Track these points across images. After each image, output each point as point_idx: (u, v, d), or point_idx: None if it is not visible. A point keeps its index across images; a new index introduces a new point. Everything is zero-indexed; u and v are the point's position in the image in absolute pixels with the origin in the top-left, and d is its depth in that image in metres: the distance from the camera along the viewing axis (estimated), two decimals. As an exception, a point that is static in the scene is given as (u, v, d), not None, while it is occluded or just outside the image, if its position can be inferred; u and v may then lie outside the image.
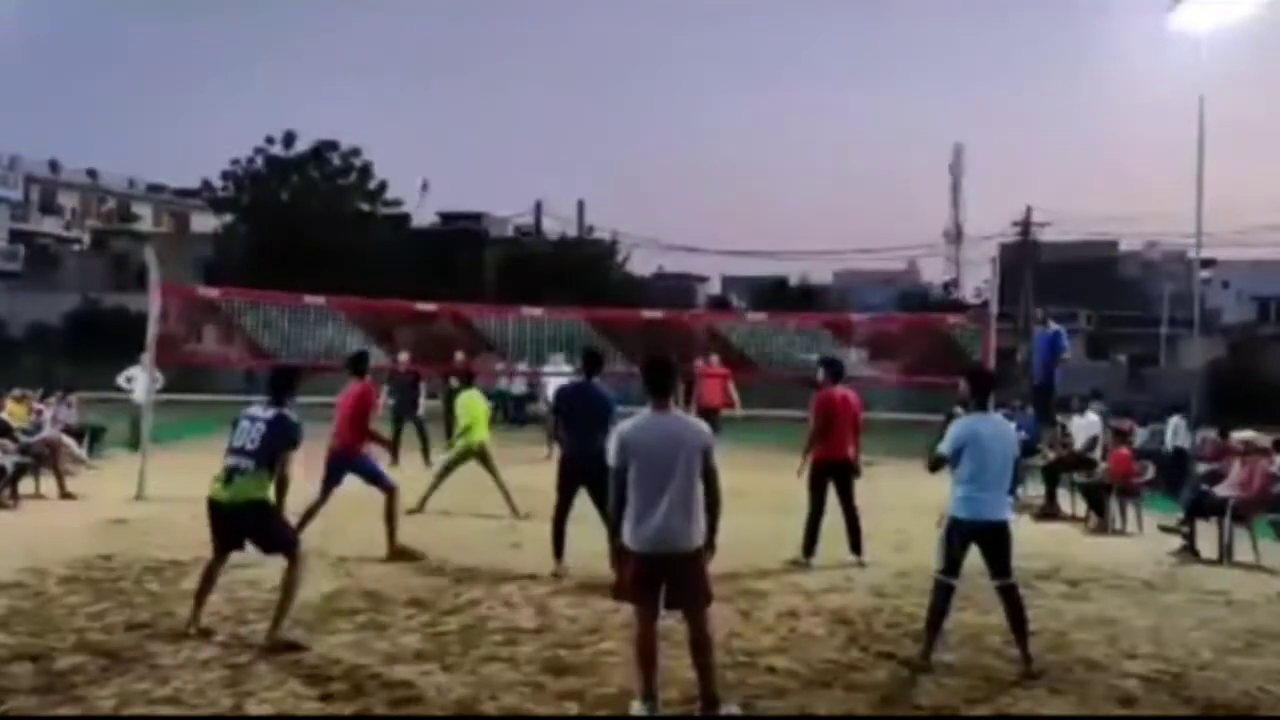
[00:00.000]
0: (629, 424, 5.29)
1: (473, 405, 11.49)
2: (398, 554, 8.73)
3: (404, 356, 15.98)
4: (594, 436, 7.33)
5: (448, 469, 11.33)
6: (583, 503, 8.39)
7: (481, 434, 11.34)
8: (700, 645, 5.21)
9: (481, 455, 11.30)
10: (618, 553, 5.31)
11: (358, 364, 9.51)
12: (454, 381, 16.97)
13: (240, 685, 5.50)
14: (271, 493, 6.26)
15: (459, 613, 7.14)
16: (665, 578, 5.15)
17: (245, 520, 6.25)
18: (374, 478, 9.05)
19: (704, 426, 5.40)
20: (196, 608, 6.38)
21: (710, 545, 5.30)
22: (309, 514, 8.57)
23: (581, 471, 8.11)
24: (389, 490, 8.94)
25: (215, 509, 6.29)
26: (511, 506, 11.06)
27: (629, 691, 5.44)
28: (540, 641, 6.50)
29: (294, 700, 5.35)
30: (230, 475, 6.22)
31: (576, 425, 8.53)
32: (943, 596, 6.25)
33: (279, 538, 6.33)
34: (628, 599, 5.35)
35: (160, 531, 9.73)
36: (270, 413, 6.32)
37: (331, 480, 8.87)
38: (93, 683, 5.49)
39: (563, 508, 8.40)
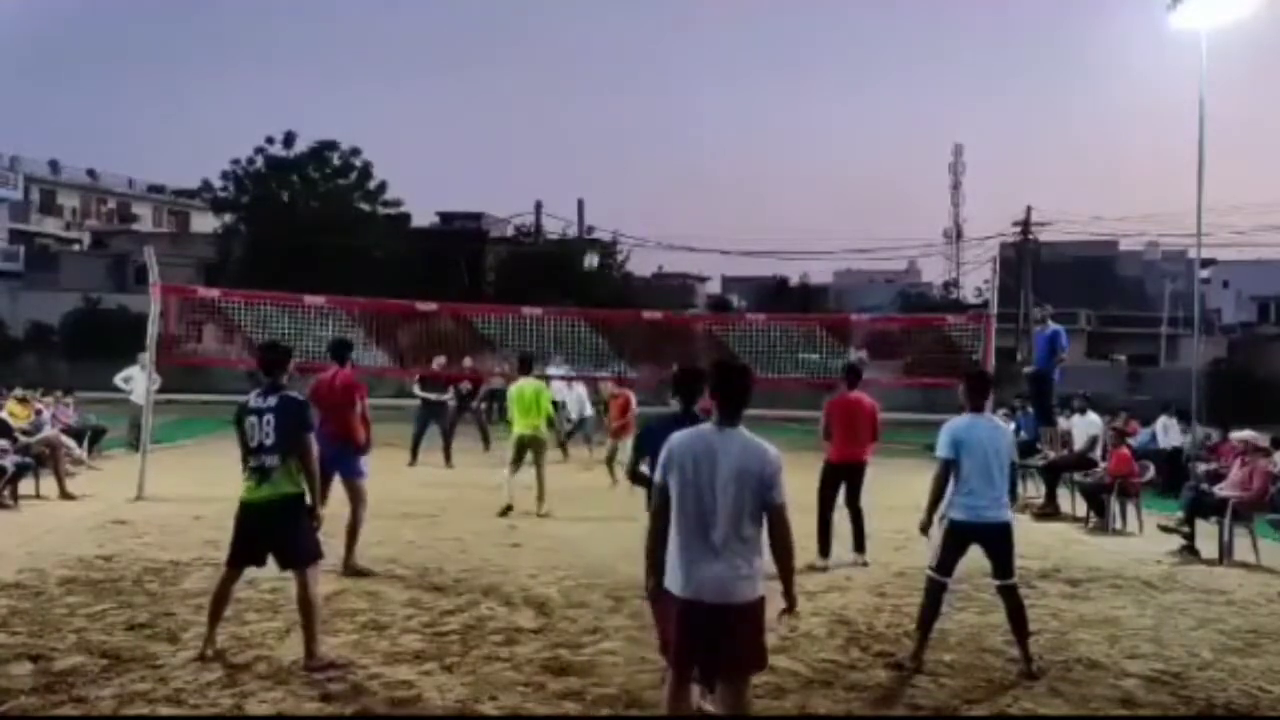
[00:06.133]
0: (678, 438, 4.36)
1: (516, 396, 11.31)
2: (357, 571, 8.10)
3: (440, 359, 15.92)
4: None
5: (514, 465, 11.19)
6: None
7: (520, 426, 11.14)
8: None
9: (529, 446, 11.13)
10: (655, 593, 4.49)
11: (339, 350, 8.75)
12: (464, 386, 17.00)
13: (240, 685, 5.49)
14: (302, 486, 5.88)
15: (459, 613, 7.13)
16: (705, 631, 4.21)
17: (278, 520, 5.84)
18: (350, 478, 8.24)
19: (772, 451, 4.30)
20: (211, 629, 5.99)
21: (788, 598, 4.38)
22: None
23: None
24: (358, 499, 8.25)
25: (249, 511, 5.91)
26: (541, 505, 11.09)
27: (629, 691, 5.44)
28: (540, 641, 6.49)
29: (294, 700, 5.33)
30: (262, 475, 5.84)
31: None
32: (934, 595, 6.25)
33: (305, 546, 5.88)
34: (665, 652, 4.50)
35: (160, 532, 9.74)
36: (273, 399, 5.91)
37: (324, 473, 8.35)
38: (93, 683, 5.48)
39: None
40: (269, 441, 5.85)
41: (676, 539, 4.28)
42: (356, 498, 8.28)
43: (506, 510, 10.94)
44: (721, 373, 4.55)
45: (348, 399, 8.31)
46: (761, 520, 4.25)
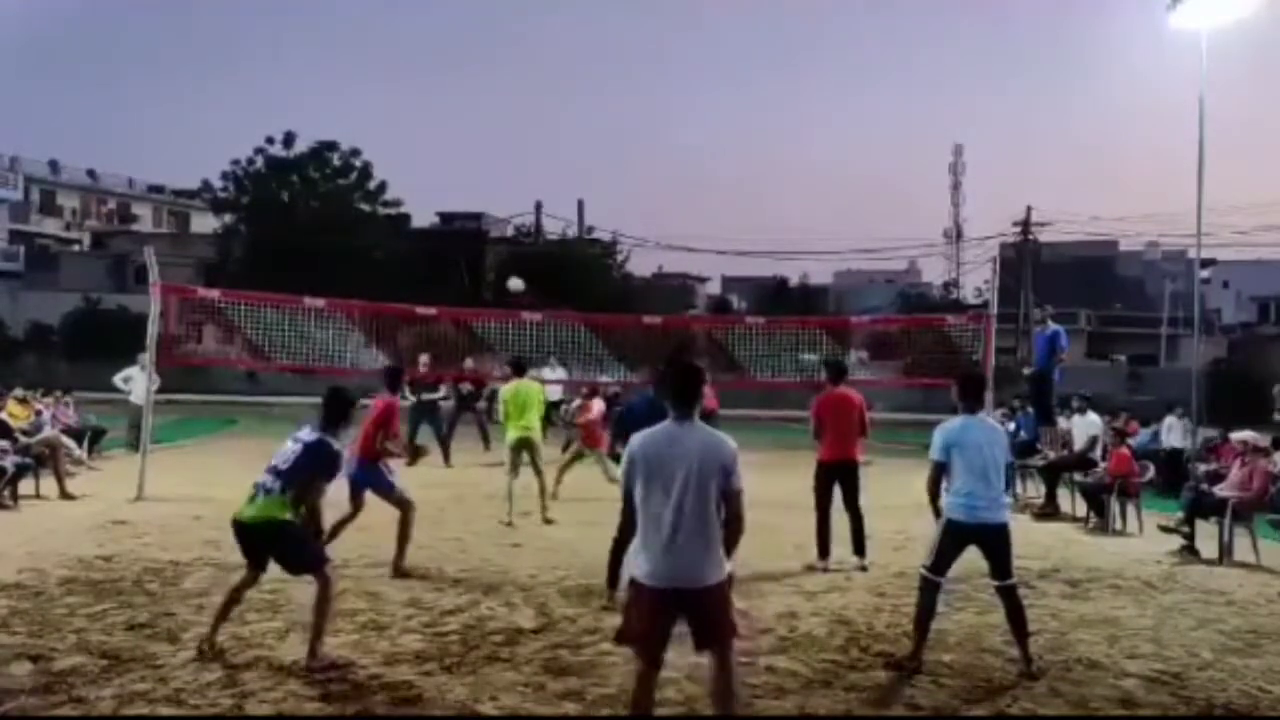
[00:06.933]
0: (639, 438, 4.66)
1: (510, 398, 11.11)
2: (403, 573, 8.28)
3: (425, 359, 15.93)
4: None
5: (512, 470, 11.03)
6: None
7: (514, 429, 10.97)
8: (725, 691, 4.62)
9: (529, 447, 11.02)
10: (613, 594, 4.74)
11: (392, 378, 9.25)
12: (465, 387, 17.03)
13: (240, 685, 5.50)
14: (291, 515, 5.95)
15: (459, 613, 7.13)
16: (682, 615, 4.51)
17: (266, 540, 5.98)
18: (388, 493, 8.59)
19: (728, 442, 4.64)
20: (215, 626, 6.12)
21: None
22: (339, 525, 8.33)
23: None
24: (404, 506, 8.53)
25: (238, 527, 6.03)
26: (545, 509, 11.04)
27: (628, 691, 5.42)
28: (540, 641, 6.50)
29: (294, 700, 5.34)
30: (257, 492, 5.97)
31: None
32: (929, 595, 6.26)
33: (302, 558, 6.00)
34: (629, 641, 4.69)
35: (160, 532, 9.74)
36: (313, 436, 6.02)
37: (355, 491, 8.55)
38: (93, 683, 5.48)
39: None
40: (283, 467, 5.96)
41: (644, 531, 4.55)
42: (401, 508, 8.49)
43: (507, 524, 10.89)
44: (675, 373, 4.83)
45: (378, 423, 8.59)
46: (720, 507, 4.54)
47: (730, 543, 4.61)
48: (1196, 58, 14.68)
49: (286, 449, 6.04)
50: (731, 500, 4.56)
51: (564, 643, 6.47)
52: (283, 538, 5.96)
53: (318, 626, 5.89)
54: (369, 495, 8.54)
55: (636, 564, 4.57)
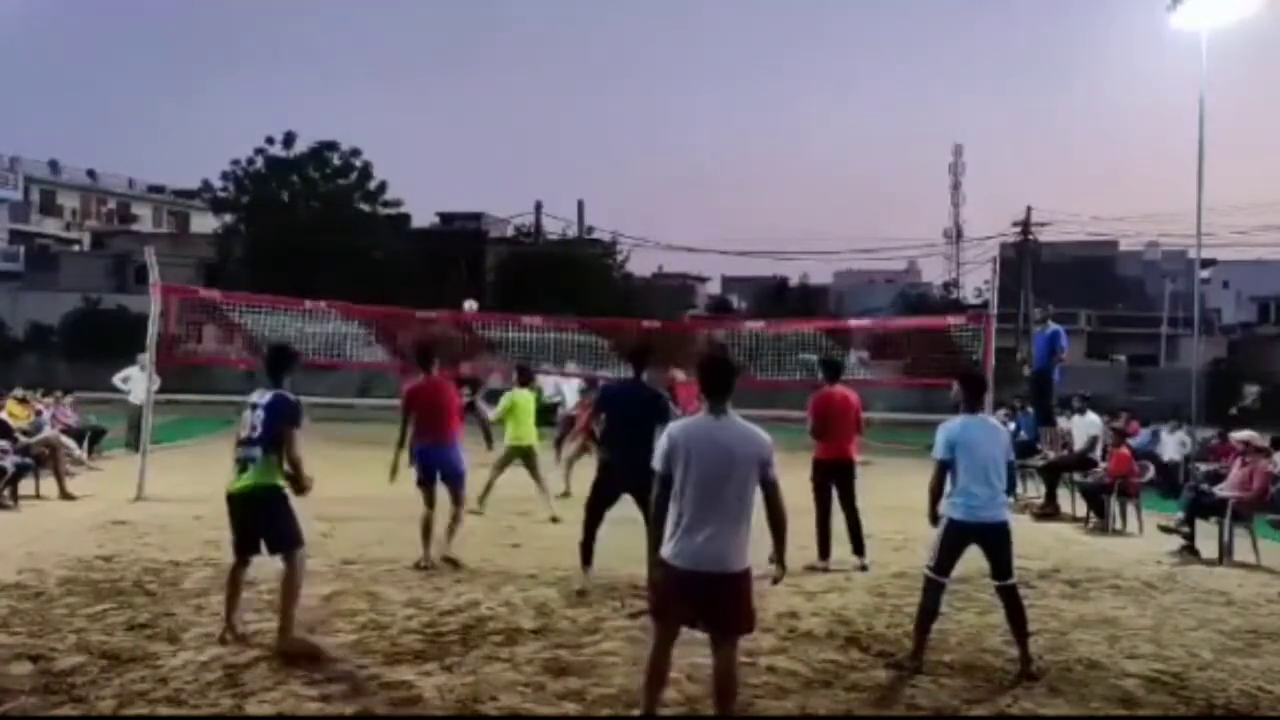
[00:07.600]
0: (679, 425, 4.87)
1: (520, 404, 11.50)
2: (447, 559, 8.53)
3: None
4: (646, 444, 5.80)
5: (499, 468, 11.53)
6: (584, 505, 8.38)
7: (514, 437, 11.43)
8: (725, 681, 4.72)
9: (526, 455, 11.46)
10: (656, 567, 4.86)
11: (424, 358, 9.11)
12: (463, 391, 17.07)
13: (240, 685, 5.49)
14: (282, 479, 6.10)
15: (459, 613, 7.12)
16: (703, 598, 4.63)
17: (258, 509, 6.12)
18: (454, 478, 8.82)
19: (764, 435, 4.76)
20: (228, 615, 6.32)
21: (779, 563, 4.85)
22: (427, 526, 8.61)
23: (625, 483, 7.58)
24: (458, 498, 8.80)
25: (231, 501, 6.19)
26: (549, 508, 11.17)
27: (629, 691, 5.43)
28: (540, 641, 6.48)
29: (294, 700, 5.33)
30: (243, 466, 6.13)
31: (622, 430, 7.75)
32: (932, 595, 6.25)
33: (284, 533, 6.12)
34: (656, 614, 4.87)
35: (160, 532, 9.74)
36: (268, 396, 6.18)
37: (427, 479, 8.73)
38: (93, 683, 5.47)
39: (594, 514, 7.93)
40: (255, 435, 6.11)
41: (677, 516, 4.66)
42: (455, 499, 8.77)
43: (482, 498, 11.25)
44: (707, 367, 4.94)
45: (443, 400, 8.84)
46: (754, 497, 4.68)
47: (778, 532, 4.77)
48: (1196, 58, 14.71)
49: (248, 418, 6.16)
50: (769, 489, 4.71)
51: (564, 643, 6.46)
52: (272, 507, 6.10)
53: (286, 609, 5.99)
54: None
55: (668, 546, 4.69)
